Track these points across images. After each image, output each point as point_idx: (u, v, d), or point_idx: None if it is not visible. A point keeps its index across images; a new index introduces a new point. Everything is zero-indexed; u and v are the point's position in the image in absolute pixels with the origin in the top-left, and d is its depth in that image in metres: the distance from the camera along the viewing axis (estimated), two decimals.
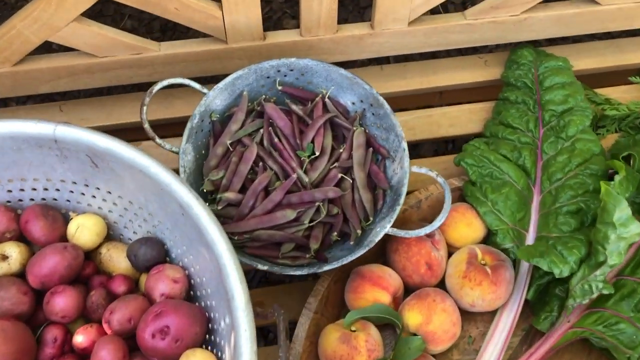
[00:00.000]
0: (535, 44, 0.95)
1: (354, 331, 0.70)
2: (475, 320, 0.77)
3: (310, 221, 0.73)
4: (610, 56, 0.97)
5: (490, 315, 0.77)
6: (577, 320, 0.71)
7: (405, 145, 0.74)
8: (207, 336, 0.63)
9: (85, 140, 0.62)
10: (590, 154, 0.78)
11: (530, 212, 0.77)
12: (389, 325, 0.74)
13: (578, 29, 0.90)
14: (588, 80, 0.93)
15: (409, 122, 0.91)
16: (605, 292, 0.68)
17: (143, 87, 1.04)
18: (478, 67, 0.95)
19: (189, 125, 0.74)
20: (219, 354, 0.60)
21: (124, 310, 0.62)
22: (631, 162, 0.78)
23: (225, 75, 0.77)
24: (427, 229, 0.70)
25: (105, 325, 0.62)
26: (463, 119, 0.92)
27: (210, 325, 0.63)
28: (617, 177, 0.68)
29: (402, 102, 0.99)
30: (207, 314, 0.63)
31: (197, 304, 0.65)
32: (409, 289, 0.76)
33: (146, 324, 0.59)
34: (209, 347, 0.62)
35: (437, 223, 0.70)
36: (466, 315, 0.76)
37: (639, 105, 0.90)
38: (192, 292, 0.66)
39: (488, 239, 0.78)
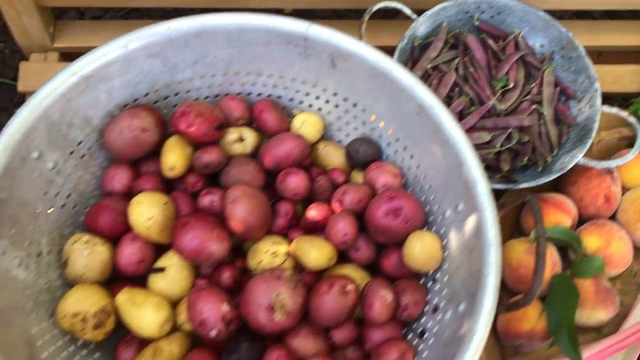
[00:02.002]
0: None
1: None
2: (637, 257, 0.83)
3: (500, 146, 0.80)
4: None
5: None
6: None
7: (598, 85, 0.80)
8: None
9: (334, 42, 0.69)
10: None
11: None
12: (560, 249, 0.80)
13: None
14: None
15: None
16: None
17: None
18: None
19: (399, 45, 0.81)
20: (441, 238, 0.67)
21: (355, 193, 0.69)
22: None
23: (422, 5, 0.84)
24: (618, 162, 0.76)
25: (336, 205, 0.69)
26: (626, 78, 0.97)
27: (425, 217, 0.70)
28: None
29: None
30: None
31: None
32: (581, 221, 0.81)
33: (380, 204, 0.66)
34: None
35: (629, 156, 0.76)
36: None
37: None
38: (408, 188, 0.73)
39: None
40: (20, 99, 1.17)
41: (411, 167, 0.72)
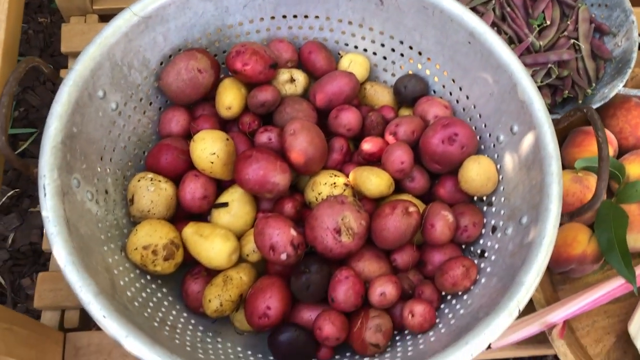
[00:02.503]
0: None
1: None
2: None
3: (541, 82, 0.82)
4: None
5: None
6: None
7: (634, 18, 0.82)
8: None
9: None
10: None
11: None
12: None
13: None
14: None
15: None
16: None
17: None
18: None
19: None
20: (495, 163, 0.69)
21: (408, 125, 0.71)
22: None
23: None
24: None
25: (389, 137, 0.71)
26: None
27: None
28: None
29: None
30: None
31: None
32: (621, 152, 0.83)
33: (435, 132, 0.68)
34: None
35: None
36: None
37: None
38: None
39: None
40: (45, 78, 1.19)
41: (460, 99, 0.74)
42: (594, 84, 0.83)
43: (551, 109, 0.82)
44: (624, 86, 0.80)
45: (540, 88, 0.82)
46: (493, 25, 0.84)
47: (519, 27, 0.83)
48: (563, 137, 0.84)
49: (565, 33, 0.84)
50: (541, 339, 0.75)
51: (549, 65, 0.81)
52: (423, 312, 0.61)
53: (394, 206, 0.64)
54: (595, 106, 0.78)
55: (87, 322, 0.81)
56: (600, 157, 0.57)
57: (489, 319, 0.53)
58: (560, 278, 0.79)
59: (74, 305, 0.77)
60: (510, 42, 0.83)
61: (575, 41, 0.83)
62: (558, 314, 0.68)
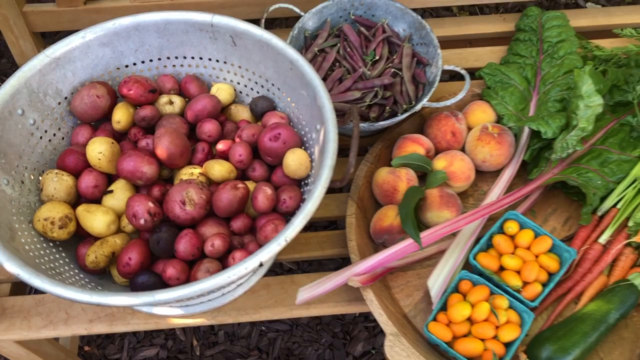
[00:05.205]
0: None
1: None
2: (487, 180, 1.06)
3: (370, 101, 1.06)
4: (601, 18, 1.27)
5: (497, 176, 1.06)
6: (559, 171, 0.99)
7: (440, 51, 1.06)
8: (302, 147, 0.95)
9: (231, 24, 0.97)
10: (574, 66, 1.08)
11: (530, 106, 1.07)
12: (422, 178, 1.04)
13: None
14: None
15: (446, 56, 1.23)
16: (578, 148, 0.97)
17: None
18: (498, 22, 1.27)
19: (291, 34, 1.09)
20: (311, 154, 0.92)
21: (250, 130, 0.95)
22: (605, 76, 1.07)
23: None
24: (453, 100, 1.02)
25: (237, 140, 0.95)
26: (485, 57, 1.23)
27: (302, 142, 0.95)
28: (586, 67, 0.98)
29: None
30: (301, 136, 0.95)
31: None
32: (437, 154, 1.05)
33: (266, 133, 0.92)
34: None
35: (460, 95, 1.02)
36: (480, 175, 1.05)
37: (621, 50, 1.19)
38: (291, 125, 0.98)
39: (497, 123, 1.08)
40: None
41: (293, 112, 0.98)
42: (413, 102, 1.06)
43: (377, 120, 1.05)
44: (447, 108, 1.04)
45: (371, 106, 1.06)
46: (335, 61, 1.09)
47: (355, 62, 1.08)
48: (392, 142, 1.07)
49: (391, 65, 1.08)
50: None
51: (376, 89, 1.05)
52: (241, 257, 0.82)
53: (227, 184, 0.87)
54: (402, 117, 1.01)
55: (19, 292, 1.02)
56: (353, 136, 0.80)
57: (264, 247, 0.74)
58: (382, 249, 0.99)
59: (6, 278, 0.99)
60: (347, 72, 1.08)
61: (397, 70, 1.07)
62: (360, 266, 0.88)
